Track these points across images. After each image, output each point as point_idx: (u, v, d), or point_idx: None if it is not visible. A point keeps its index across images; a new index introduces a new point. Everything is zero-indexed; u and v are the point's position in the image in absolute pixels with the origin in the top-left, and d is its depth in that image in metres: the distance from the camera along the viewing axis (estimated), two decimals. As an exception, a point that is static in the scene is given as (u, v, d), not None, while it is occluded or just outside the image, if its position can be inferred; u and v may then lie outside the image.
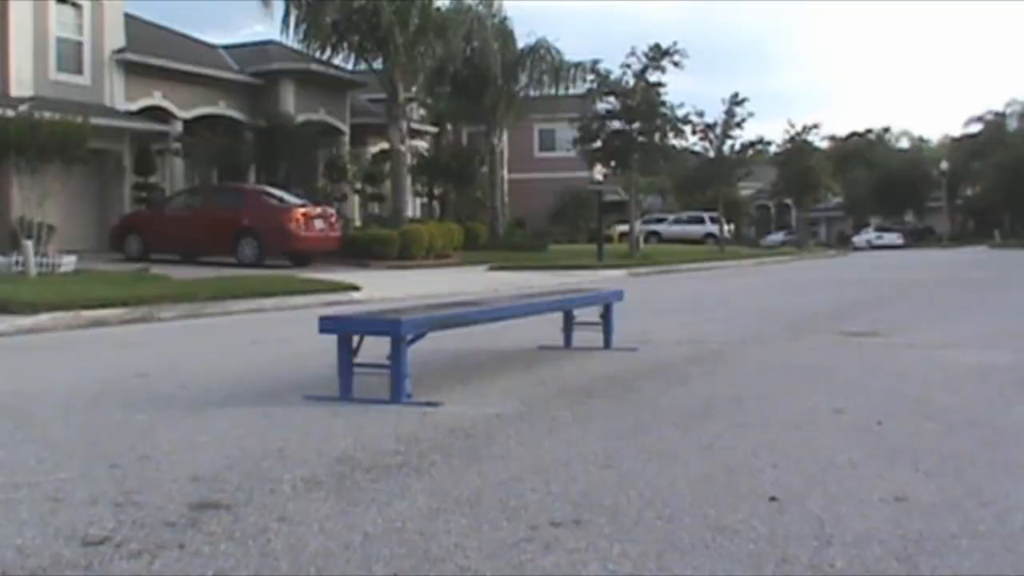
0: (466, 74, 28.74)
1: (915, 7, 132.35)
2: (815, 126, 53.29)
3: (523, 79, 30.48)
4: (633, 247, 29.56)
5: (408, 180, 28.34)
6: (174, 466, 3.14)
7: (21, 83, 21.21)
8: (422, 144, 34.91)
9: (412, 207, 32.06)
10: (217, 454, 3.31)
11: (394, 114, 25.72)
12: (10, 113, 16.94)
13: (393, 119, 25.78)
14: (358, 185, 28.87)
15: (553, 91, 30.71)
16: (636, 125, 29.87)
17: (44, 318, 9.02)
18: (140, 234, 20.98)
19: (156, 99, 24.93)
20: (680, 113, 31.11)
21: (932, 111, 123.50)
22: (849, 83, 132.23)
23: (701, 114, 33.58)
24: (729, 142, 36.51)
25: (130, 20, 24.68)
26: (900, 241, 54.90)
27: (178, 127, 25.48)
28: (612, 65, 32.31)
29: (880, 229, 59.59)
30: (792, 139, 45.98)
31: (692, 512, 2.58)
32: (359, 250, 21.60)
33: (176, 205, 22.31)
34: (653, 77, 29.72)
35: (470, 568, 2.18)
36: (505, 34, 29.52)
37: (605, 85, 30.15)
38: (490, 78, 28.93)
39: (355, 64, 26.45)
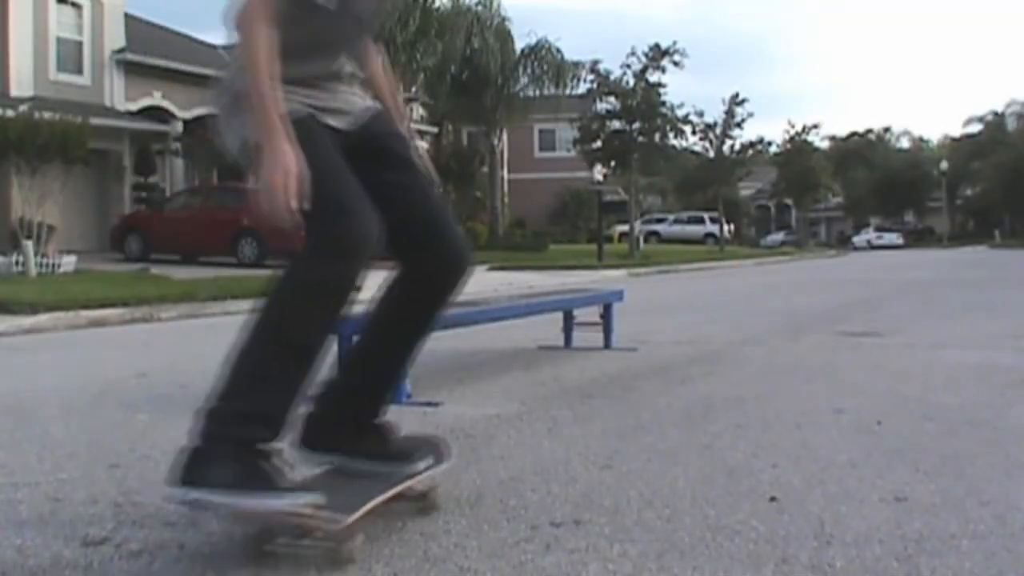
0: (466, 74, 28.74)
1: (915, 8, 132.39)
2: (815, 126, 53.46)
3: (524, 79, 30.47)
4: (633, 247, 29.56)
5: (408, 180, 28.31)
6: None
7: (21, 83, 21.22)
8: (422, 144, 34.88)
9: (412, 207, 32.02)
10: (217, 454, 3.31)
11: (394, 114, 25.69)
12: (10, 113, 16.95)
13: (393, 119, 25.75)
14: (358, 185, 28.87)
15: (554, 91, 30.69)
16: (636, 125, 29.86)
17: (44, 318, 9.03)
18: (140, 234, 20.98)
19: (156, 99, 24.93)
20: (680, 113, 31.13)
21: (932, 111, 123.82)
22: (849, 83, 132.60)
23: (701, 114, 33.62)
24: (729, 142, 36.54)
25: (130, 20, 24.69)
26: (900, 241, 54.94)
27: (178, 127, 25.45)
28: (612, 65, 32.34)
29: (880, 229, 59.60)
30: (792, 139, 45.99)
31: (692, 512, 2.58)
32: (359, 250, 21.58)
33: (176, 205, 22.31)
34: (653, 77, 29.73)
35: (470, 568, 2.18)
36: (504, 34, 29.51)
37: (605, 85, 30.14)
38: (490, 78, 28.91)
39: (355, 64, 26.44)
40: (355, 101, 2.45)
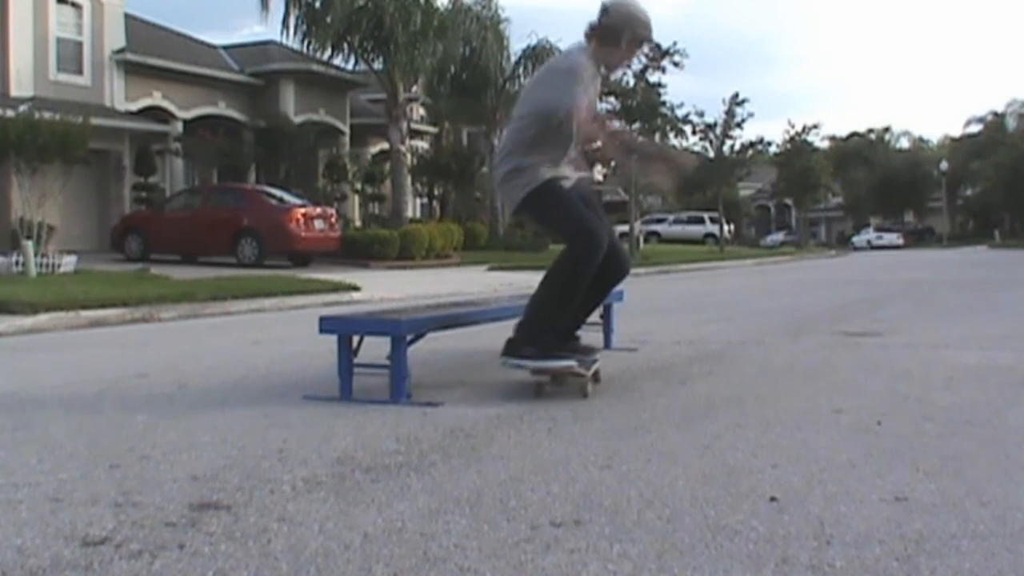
0: (466, 74, 28.73)
1: (915, 8, 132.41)
2: (815, 126, 53.48)
3: (524, 79, 30.44)
4: (633, 247, 29.53)
5: (408, 180, 28.35)
6: (174, 466, 3.15)
7: (21, 83, 21.23)
8: (422, 144, 34.89)
9: (412, 207, 32.07)
10: (217, 454, 3.32)
11: (394, 114, 25.72)
12: (10, 113, 16.94)
13: (393, 119, 25.78)
14: (358, 185, 28.87)
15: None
16: (636, 125, 29.83)
17: (44, 318, 9.03)
18: (140, 234, 20.97)
19: (156, 99, 24.94)
20: (680, 113, 31.11)
21: (932, 111, 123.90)
22: (849, 83, 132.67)
23: (701, 114, 33.60)
24: (729, 142, 36.52)
25: (130, 20, 24.69)
26: (900, 241, 54.97)
27: (178, 127, 25.47)
28: (611, 65, 32.22)
29: (880, 229, 59.63)
30: (792, 139, 45.96)
31: (692, 512, 2.58)
32: (359, 250, 21.60)
33: (176, 205, 22.31)
34: (653, 77, 29.69)
35: (470, 568, 2.18)
36: (503, 35, 29.49)
37: (605, 85, 30.10)
38: (490, 78, 28.88)
39: (355, 64, 26.44)
40: (571, 174, 4.59)
